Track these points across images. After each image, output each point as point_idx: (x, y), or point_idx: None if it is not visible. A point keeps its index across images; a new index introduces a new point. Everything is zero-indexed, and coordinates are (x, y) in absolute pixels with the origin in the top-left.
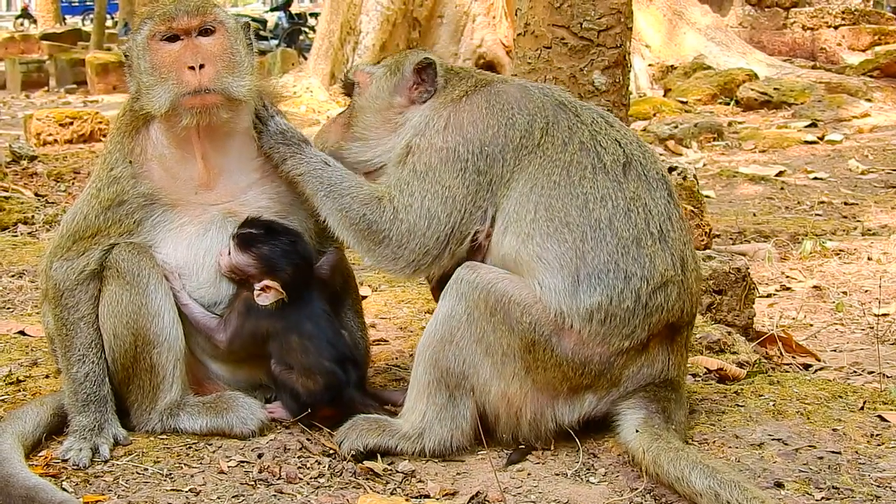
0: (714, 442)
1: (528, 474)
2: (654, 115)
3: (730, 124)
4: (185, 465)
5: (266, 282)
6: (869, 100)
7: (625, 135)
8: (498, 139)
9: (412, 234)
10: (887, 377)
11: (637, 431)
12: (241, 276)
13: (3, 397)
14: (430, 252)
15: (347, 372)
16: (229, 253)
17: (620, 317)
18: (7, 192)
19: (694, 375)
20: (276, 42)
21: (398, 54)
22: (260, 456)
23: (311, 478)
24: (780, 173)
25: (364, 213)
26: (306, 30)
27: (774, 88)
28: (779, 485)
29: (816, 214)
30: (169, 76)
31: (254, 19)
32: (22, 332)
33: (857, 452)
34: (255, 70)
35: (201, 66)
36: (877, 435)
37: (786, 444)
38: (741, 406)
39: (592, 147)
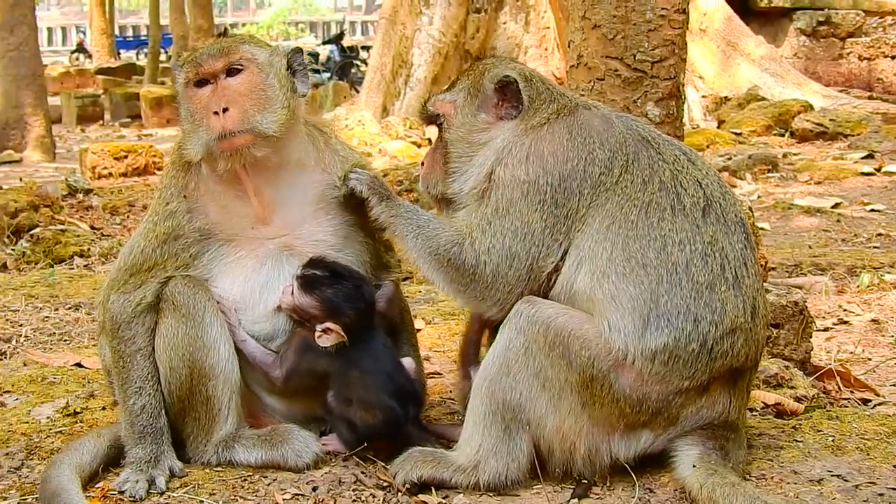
0: (772, 478)
1: None
2: (708, 146)
3: (784, 156)
4: (240, 497)
5: (328, 324)
6: None
7: (706, 174)
8: (577, 173)
9: (496, 275)
10: None
11: (694, 466)
12: (303, 316)
13: (60, 429)
14: (514, 290)
15: (406, 407)
16: (292, 293)
17: (684, 359)
18: (63, 225)
19: (751, 410)
20: (328, 75)
21: (474, 69)
22: (315, 489)
23: None
24: (836, 205)
25: (450, 256)
26: (358, 63)
27: (830, 119)
28: None
29: (874, 247)
30: (201, 122)
31: (308, 53)
32: (79, 365)
33: None
34: (293, 102)
35: (225, 110)
36: None
37: (845, 481)
38: (799, 441)
39: (673, 187)
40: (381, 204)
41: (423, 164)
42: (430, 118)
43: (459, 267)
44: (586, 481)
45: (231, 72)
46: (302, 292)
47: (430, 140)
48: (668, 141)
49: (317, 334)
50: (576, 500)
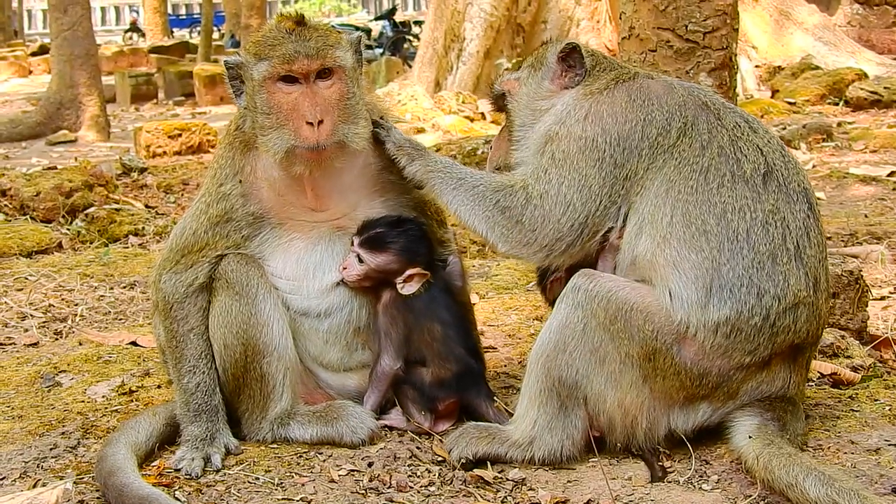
0: (829, 448)
1: (640, 482)
2: (762, 116)
3: (839, 124)
4: (295, 474)
5: (409, 271)
6: None
7: (768, 142)
8: (635, 133)
9: (546, 219)
10: None
11: (750, 437)
12: (380, 276)
13: (116, 408)
14: (564, 238)
15: (479, 362)
16: (359, 261)
17: (746, 332)
18: (118, 204)
19: (808, 380)
20: (380, 51)
21: (538, 50)
22: (370, 465)
23: (421, 486)
24: (892, 173)
25: (497, 199)
26: (410, 38)
27: (885, 87)
28: None
29: None
30: (286, 124)
31: (359, 28)
32: (134, 343)
33: None
34: (366, 110)
35: (320, 122)
36: None
37: None
38: (856, 411)
39: (732, 153)
40: (413, 162)
41: (491, 147)
42: (497, 98)
43: (506, 209)
44: (661, 465)
45: (323, 73)
46: (374, 253)
47: (482, 114)
48: (731, 108)
49: (399, 286)
50: (657, 482)
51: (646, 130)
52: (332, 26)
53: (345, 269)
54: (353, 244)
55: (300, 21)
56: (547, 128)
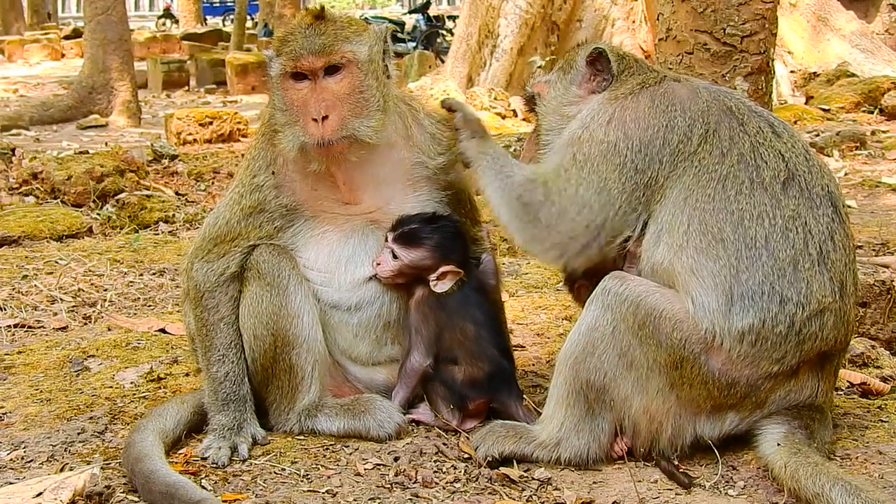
0: (857, 458)
1: (666, 485)
2: (796, 122)
3: (873, 133)
4: (322, 466)
5: (443, 268)
6: None
7: (792, 146)
8: (657, 140)
9: (562, 217)
10: None
11: (778, 445)
12: (414, 273)
13: (144, 394)
14: (578, 239)
15: (510, 362)
16: (393, 257)
17: (772, 341)
18: (149, 190)
19: (837, 389)
20: (413, 44)
21: (569, 53)
22: (396, 459)
23: (446, 482)
24: None
25: (521, 192)
26: (444, 32)
27: None
28: None
29: None
30: (297, 120)
31: (392, 21)
32: (163, 330)
33: None
34: (386, 91)
35: (325, 118)
36: None
37: None
38: (885, 421)
39: (752, 160)
40: (472, 140)
41: (523, 147)
42: (528, 100)
43: (526, 203)
44: (684, 472)
45: (330, 69)
46: (408, 249)
47: (514, 112)
48: (756, 112)
49: (432, 284)
50: (687, 489)
51: (668, 137)
52: (358, 19)
53: (378, 264)
54: (387, 240)
55: (319, 15)
56: (572, 131)
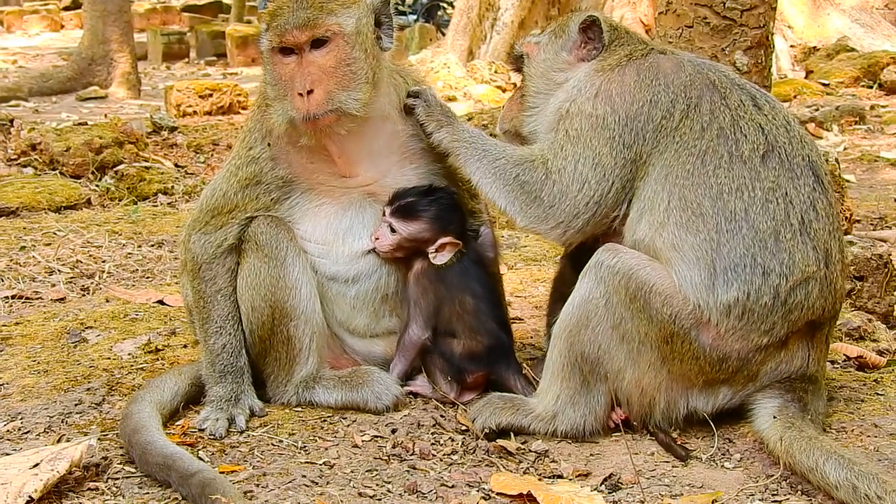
0: (852, 430)
1: (662, 457)
2: (795, 97)
3: (872, 108)
4: (319, 437)
5: (441, 240)
6: None
7: (773, 119)
8: (641, 115)
9: (564, 195)
10: None
11: (774, 418)
12: (413, 246)
13: (142, 366)
14: (581, 215)
15: (509, 335)
16: (391, 231)
17: (759, 313)
18: (148, 162)
19: (833, 362)
20: (414, 17)
21: (563, 18)
22: (394, 431)
23: (444, 454)
24: None
25: (517, 173)
26: (444, 5)
27: None
28: None
29: None
30: (285, 95)
31: None
32: (161, 302)
33: None
34: (377, 61)
35: (310, 92)
36: None
37: None
38: (880, 395)
39: (731, 134)
40: (441, 129)
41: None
42: (516, 59)
43: (525, 184)
44: (681, 444)
45: (316, 42)
46: (406, 222)
47: (514, 84)
48: (739, 85)
49: (431, 256)
50: (684, 461)
51: (651, 113)
52: None
53: (377, 239)
54: (384, 214)
55: None
56: (559, 104)
